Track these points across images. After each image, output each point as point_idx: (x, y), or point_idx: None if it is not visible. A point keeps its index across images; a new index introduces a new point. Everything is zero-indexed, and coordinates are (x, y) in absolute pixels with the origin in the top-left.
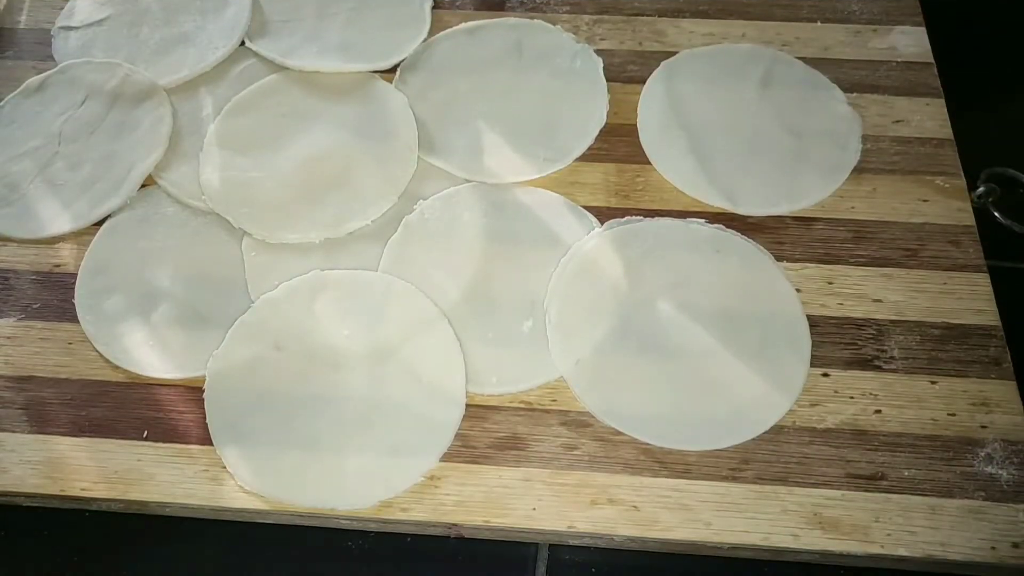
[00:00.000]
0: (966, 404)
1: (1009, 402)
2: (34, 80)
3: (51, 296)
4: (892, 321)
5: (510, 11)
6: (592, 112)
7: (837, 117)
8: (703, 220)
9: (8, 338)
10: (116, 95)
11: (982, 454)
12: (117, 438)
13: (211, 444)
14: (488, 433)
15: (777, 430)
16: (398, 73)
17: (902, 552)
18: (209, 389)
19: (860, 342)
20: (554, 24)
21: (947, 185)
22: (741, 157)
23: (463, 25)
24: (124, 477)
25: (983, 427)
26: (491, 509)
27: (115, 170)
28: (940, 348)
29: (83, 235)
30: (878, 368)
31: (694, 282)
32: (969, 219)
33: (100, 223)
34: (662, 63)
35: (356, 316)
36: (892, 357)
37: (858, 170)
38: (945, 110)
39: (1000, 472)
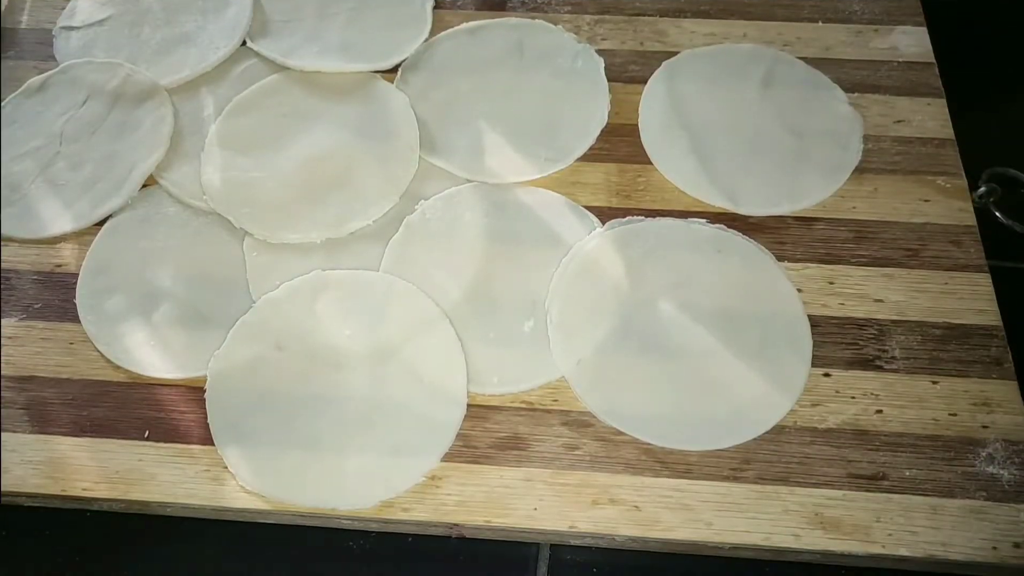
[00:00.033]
0: (967, 404)
1: (1010, 402)
2: (35, 80)
3: (52, 296)
4: (893, 321)
5: (511, 11)
6: (593, 112)
7: (838, 117)
8: (704, 220)
9: (10, 338)
10: (117, 95)
11: (983, 454)
12: (118, 438)
13: (212, 444)
14: (489, 433)
15: (778, 430)
16: (399, 73)
17: (903, 552)
18: (210, 389)
19: (861, 342)
20: (555, 24)
21: (948, 185)
22: (742, 157)
23: (464, 25)
24: (125, 477)
25: (984, 427)
26: (492, 509)
27: (116, 170)
28: (941, 348)
29: (84, 235)
30: (879, 368)
31: (695, 282)
32: (970, 219)
33: (101, 223)
34: (663, 63)
35: (357, 316)
36: (893, 357)
37: (859, 170)
38: (946, 110)
39: (1001, 472)
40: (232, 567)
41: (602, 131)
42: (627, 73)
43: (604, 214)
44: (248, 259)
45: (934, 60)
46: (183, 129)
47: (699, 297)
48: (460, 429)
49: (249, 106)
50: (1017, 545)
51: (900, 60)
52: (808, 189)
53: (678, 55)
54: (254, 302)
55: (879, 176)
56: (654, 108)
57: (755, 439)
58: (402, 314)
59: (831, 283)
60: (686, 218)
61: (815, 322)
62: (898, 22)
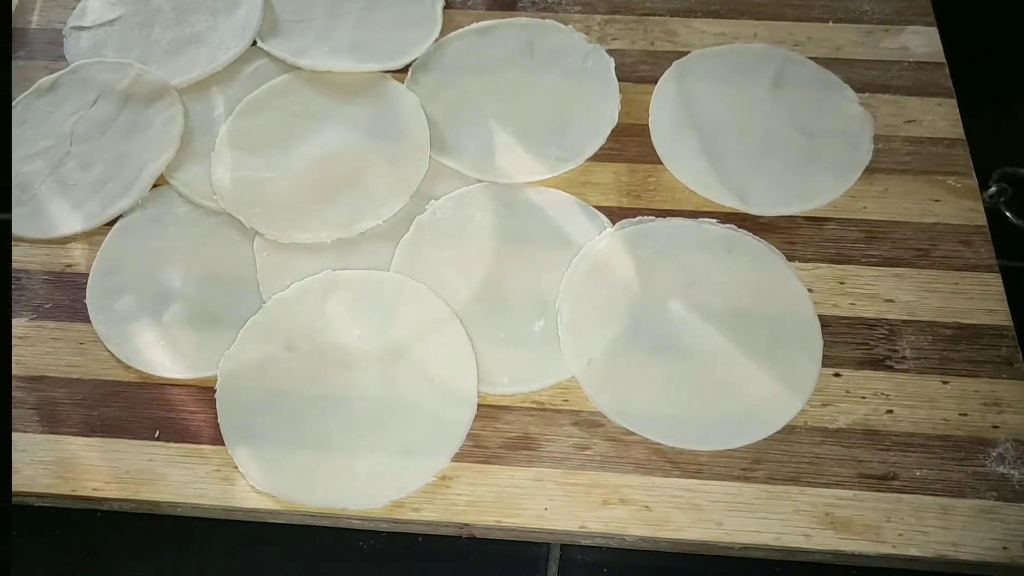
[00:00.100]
0: (978, 404)
1: (1021, 402)
2: (46, 80)
3: (63, 296)
4: (904, 321)
5: (522, 11)
6: (604, 112)
7: (849, 117)
8: (715, 220)
9: (20, 338)
10: (128, 95)
11: (994, 454)
12: (129, 438)
13: (223, 444)
14: (500, 433)
15: (789, 430)
16: (410, 73)
17: (914, 552)
18: (221, 389)
19: (872, 342)
20: (566, 24)
21: (959, 185)
22: (753, 157)
23: (475, 25)
24: (136, 477)
25: (995, 427)
26: (503, 509)
27: (127, 170)
28: (952, 348)
29: (95, 235)
30: (890, 368)
31: (706, 282)
32: (981, 219)
33: (112, 223)
34: (674, 63)
35: (368, 316)
36: (904, 357)
37: (870, 170)
38: (957, 110)
39: (1012, 472)
40: (242, 567)
41: (612, 131)
42: (637, 73)
43: (614, 214)
44: (258, 259)
45: (944, 60)
46: (193, 129)
47: (709, 297)
48: (470, 429)
49: (259, 106)
50: None
51: (911, 60)
52: (818, 189)
53: (688, 55)
54: (264, 302)
55: (889, 176)
56: (664, 108)
57: (766, 439)
58: (412, 314)
59: (842, 283)
60: (696, 218)
61: (825, 322)
62: (909, 22)
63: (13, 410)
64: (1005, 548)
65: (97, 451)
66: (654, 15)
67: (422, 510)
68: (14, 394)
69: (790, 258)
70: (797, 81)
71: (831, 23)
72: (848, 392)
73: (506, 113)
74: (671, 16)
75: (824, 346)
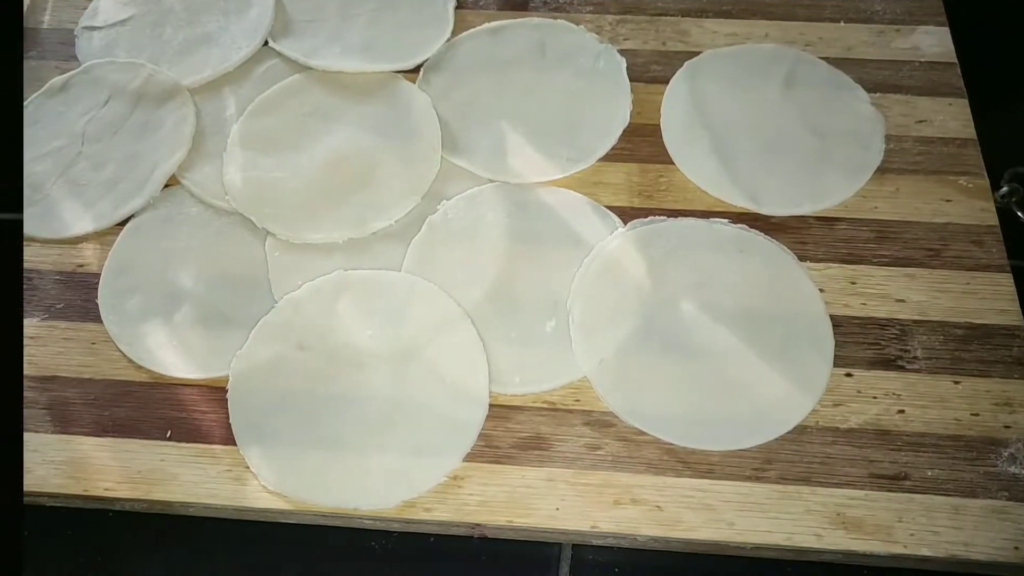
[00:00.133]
0: (989, 404)
1: None
2: (57, 80)
3: (74, 296)
4: (915, 321)
5: (533, 11)
6: (615, 112)
7: (860, 117)
8: (726, 220)
9: (32, 338)
10: (139, 95)
11: (1005, 454)
12: (140, 438)
13: (234, 444)
14: (511, 433)
15: (800, 430)
16: (421, 73)
17: (925, 552)
18: (232, 389)
19: (883, 342)
20: (577, 24)
21: (970, 185)
22: (764, 157)
23: (486, 25)
24: (147, 477)
25: (1006, 427)
26: (514, 509)
27: (138, 170)
28: (963, 348)
29: (106, 235)
30: (901, 368)
31: (717, 282)
32: (992, 219)
33: (123, 223)
34: (685, 63)
35: (379, 316)
36: (915, 357)
37: (881, 170)
38: (968, 110)
39: (1023, 472)
40: (253, 567)
41: (624, 131)
42: (649, 73)
43: (626, 214)
44: (270, 259)
45: (956, 60)
46: (205, 129)
47: (721, 297)
48: (482, 429)
49: (271, 106)
50: None
51: (922, 60)
52: (830, 189)
53: (700, 55)
54: (276, 302)
55: (901, 176)
56: (676, 108)
57: (777, 439)
58: (424, 314)
59: (853, 283)
60: (708, 218)
61: (837, 322)
62: (920, 22)
63: (25, 410)
64: (1016, 548)
65: (109, 451)
66: (666, 15)
67: (434, 510)
68: (26, 394)
69: (802, 258)
70: (809, 81)
71: (843, 23)
72: (860, 392)
73: (518, 113)
74: (683, 16)
75: (836, 346)
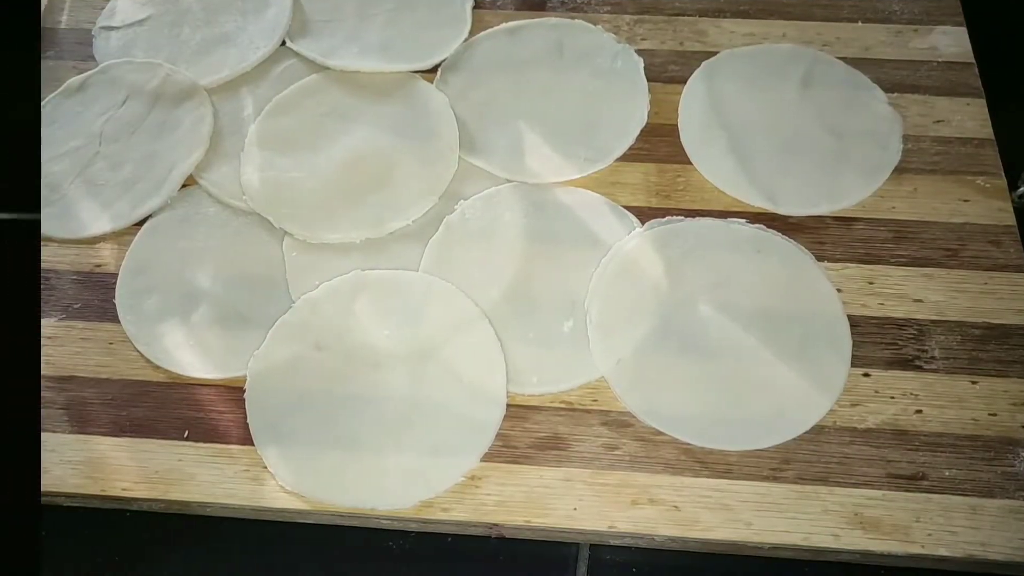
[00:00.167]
0: (1007, 404)
1: None
2: (75, 80)
3: (92, 296)
4: (933, 321)
5: (551, 11)
6: (633, 112)
7: (878, 117)
8: (744, 220)
9: (49, 338)
10: (157, 95)
11: (1023, 454)
12: (158, 438)
13: (252, 444)
14: (529, 433)
15: (818, 430)
16: (439, 73)
17: (943, 552)
18: (250, 389)
19: (901, 342)
20: (595, 24)
21: (988, 185)
22: (782, 157)
23: (504, 25)
24: (165, 477)
25: None
26: (532, 509)
27: (156, 170)
28: (981, 348)
29: (124, 235)
30: (919, 368)
31: (735, 282)
32: (1010, 219)
33: (141, 223)
34: (703, 63)
35: (397, 316)
36: (933, 357)
37: (899, 170)
38: (986, 110)
39: None
40: (271, 567)
41: (641, 131)
42: (666, 73)
43: (643, 214)
44: (287, 259)
45: (973, 60)
46: (223, 129)
47: (739, 297)
48: (499, 429)
49: (289, 106)
50: None
51: (940, 60)
52: (847, 189)
53: (717, 55)
54: (293, 302)
55: (918, 176)
56: (693, 108)
57: (795, 439)
58: (441, 314)
59: (871, 283)
60: (725, 218)
61: (854, 322)
62: (937, 22)
63: (43, 410)
64: None
65: (126, 451)
66: (683, 15)
67: (451, 510)
68: (43, 394)
69: (819, 258)
70: (826, 81)
71: (860, 23)
72: (877, 392)
73: (535, 113)
74: (700, 16)
75: (853, 346)
